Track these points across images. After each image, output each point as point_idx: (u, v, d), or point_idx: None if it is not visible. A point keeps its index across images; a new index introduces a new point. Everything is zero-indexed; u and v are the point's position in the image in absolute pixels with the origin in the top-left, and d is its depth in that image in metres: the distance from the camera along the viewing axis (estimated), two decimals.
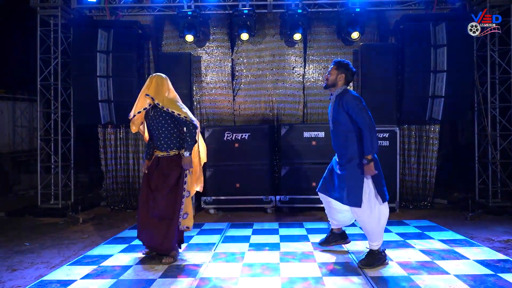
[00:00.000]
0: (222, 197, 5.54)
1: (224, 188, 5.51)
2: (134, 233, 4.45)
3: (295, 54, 6.16)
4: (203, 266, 3.35)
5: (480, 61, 5.75)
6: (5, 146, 8.20)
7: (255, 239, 4.18)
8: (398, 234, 4.28)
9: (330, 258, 3.51)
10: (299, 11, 5.59)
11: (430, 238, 4.11)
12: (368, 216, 3.20)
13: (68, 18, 5.95)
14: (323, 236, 3.91)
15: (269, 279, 3.03)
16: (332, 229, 3.75)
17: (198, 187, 3.68)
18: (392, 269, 3.20)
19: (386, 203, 3.26)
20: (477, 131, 5.85)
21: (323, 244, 3.77)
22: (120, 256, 3.68)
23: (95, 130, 6.11)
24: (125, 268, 3.34)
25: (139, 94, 3.48)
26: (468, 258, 3.42)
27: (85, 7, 5.95)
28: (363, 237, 3.83)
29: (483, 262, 3.31)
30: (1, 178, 7.62)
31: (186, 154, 3.37)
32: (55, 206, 5.80)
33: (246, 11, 5.64)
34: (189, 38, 5.73)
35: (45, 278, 3.16)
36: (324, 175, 3.61)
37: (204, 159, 3.73)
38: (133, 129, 3.61)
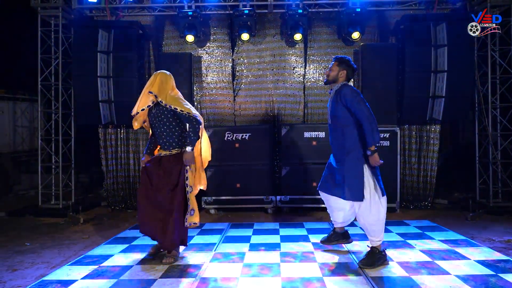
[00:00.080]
0: (223, 197, 5.54)
1: (225, 188, 5.51)
2: (134, 233, 4.47)
3: (296, 54, 6.16)
4: (203, 266, 3.35)
5: (480, 61, 5.75)
6: (5, 146, 8.21)
7: (256, 239, 4.18)
8: (398, 234, 4.28)
9: (330, 258, 3.51)
10: (300, 11, 5.59)
11: (431, 238, 4.11)
12: (369, 209, 3.21)
13: (69, 19, 5.95)
14: (324, 236, 3.90)
15: (269, 279, 3.03)
16: (334, 228, 3.75)
17: (202, 186, 3.65)
18: (392, 269, 3.20)
19: (385, 196, 3.28)
20: (477, 131, 5.85)
21: (325, 243, 3.77)
22: (121, 256, 3.68)
23: (95, 130, 6.12)
24: (126, 268, 3.34)
25: (143, 91, 3.44)
26: (468, 258, 3.42)
27: (86, 7, 5.95)
28: (363, 237, 3.83)
29: (483, 262, 3.31)
30: (2, 178, 7.63)
31: (189, 149, 3.32)
32: (56, 206, 5.81)
33: (246, 11, 5.64)
34: (190, 38, 5.74)
35: (45, 278, 3.16)
36: (324, 173, 3.62)
37: (208, 157, 3.69)
38: (135, 125, 3.57)
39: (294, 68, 6.18)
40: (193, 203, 3.41)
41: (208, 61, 6.22)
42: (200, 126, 3.41)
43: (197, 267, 3.33)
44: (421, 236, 4.19)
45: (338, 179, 3.35)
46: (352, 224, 3.77)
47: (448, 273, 3.08)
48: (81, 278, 3.12)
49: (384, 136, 5.37)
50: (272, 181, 5.63)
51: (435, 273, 3.10)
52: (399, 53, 5.59)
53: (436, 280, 2.96)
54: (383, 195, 3.25)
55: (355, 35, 5.62)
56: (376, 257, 3.26)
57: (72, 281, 3.06)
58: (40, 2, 5.75)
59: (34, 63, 5.94)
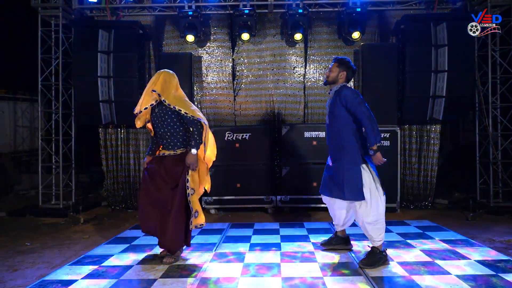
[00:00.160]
0: (223, 197, 5.54)
1: (225, 188, 5.50)
2: (135, 233, 4.47)
3: (296, 54, 6.16)
4: (203, 266, 3.35)
5: (481, 61, 5.74)
6: (6, 146, 8.21)
7: (256, 239, 4.18)
8: (399, 234, 4.28)
9: (331, 258, 3.51)
10: (300, 11, 5.59)
11: (431, 238, 4.11)
12: (369, 209, 3.22)
13: (69, 19, 5.95)
14: (324, 236, 3.91)
15: (269, 279, 3.03)
16: (336, 231, 3.75)
17: (206, 187, 3.62)
18: (393, 269, 3.20)
19: (384, 196, 3.29)
20: (478, 131, 5.85)
21: (325, 245, 3.77)
22: (121, 256, 3.68)
23: (96, 130, 6.12)
24: (126, 268, 3.34)
25: (145, 89, 3.38)
26: (469, 258, 3.42)
27: (86, 7, 5.96)
28: (363, 237, 3.83)
29: (484, 262, 3.31)
30: (2, 178, 7.63)
31: (193, 151, 3.29)
32: (56, 206, 5.81)
33: (247, 11, 5.64)
34: (190, 38, 5.74)
35: (46, 278, 3.16)
36: (323, 175, 3.63)
37: (212, 157, 3.67)
38: (138, 124, 3.50)
39: (294, 68, 6.17)
40: (196, 205, 3.37)
41: (209, 61, 6.22)
42: (205, 129, 3.38)
43: (197, 267, 3.34)
44: (421, 236, 4.19)
45: (336, 178, 3.36)
46: (353, 224, 3.76)
47: (448, 273, 3.08)
48: (82, 278, 3.12)
49: (385, 136, 5.36)
50: (272, 181, 5.63)
51: (436, 273, 3.10)
52: (399, 53, 5.59)
53: (436, 280, 2.95)
54: (382, 195, 3.26)
55: (356, 35, 5.62)
56: (376, 257, 3.26)
57: (72, 281, 3.06)
58: (41, 2, 5.75)
59: (34, 63, 5.93)
